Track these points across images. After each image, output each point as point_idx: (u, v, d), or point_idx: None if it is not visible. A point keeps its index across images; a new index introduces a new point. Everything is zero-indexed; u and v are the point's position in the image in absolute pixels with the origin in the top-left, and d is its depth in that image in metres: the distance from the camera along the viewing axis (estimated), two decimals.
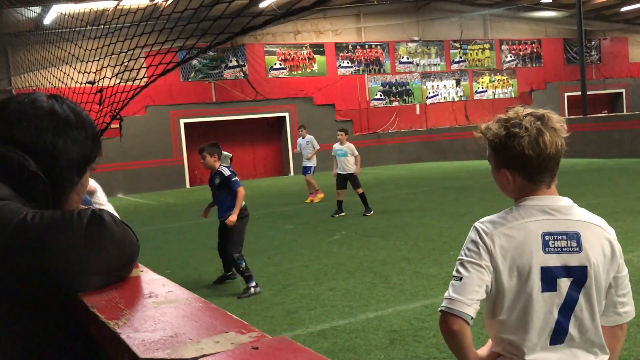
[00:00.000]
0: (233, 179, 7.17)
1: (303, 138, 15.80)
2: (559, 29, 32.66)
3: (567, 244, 1.75)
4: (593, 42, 34.04)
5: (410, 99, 29.34)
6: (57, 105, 1.35)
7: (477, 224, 1.89)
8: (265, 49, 26.29)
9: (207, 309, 0.97)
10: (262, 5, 23.67)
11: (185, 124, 24.70)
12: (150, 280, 1.24)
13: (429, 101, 29.73)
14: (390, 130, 28.19)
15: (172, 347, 0.81)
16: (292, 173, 26.18)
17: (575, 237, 1.76)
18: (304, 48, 26.97)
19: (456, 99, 30.41)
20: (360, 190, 12.06)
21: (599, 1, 29.42)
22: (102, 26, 3.75)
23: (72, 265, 1.16)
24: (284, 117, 26.45)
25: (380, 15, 28.13)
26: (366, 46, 28.28)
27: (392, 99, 28.95)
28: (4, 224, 1.15)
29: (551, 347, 1.79)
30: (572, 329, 1.78)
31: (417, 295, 6.16)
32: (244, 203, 7.21)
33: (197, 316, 0.94)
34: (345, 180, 12.33)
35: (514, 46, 31.88)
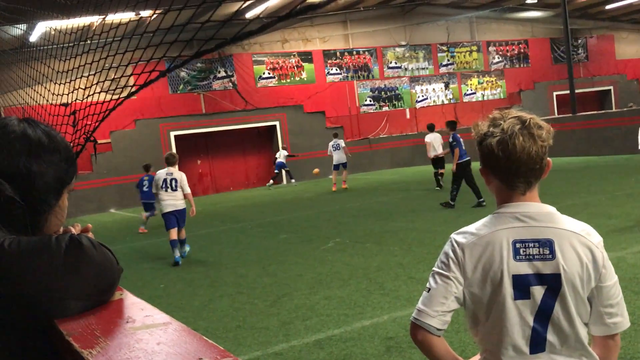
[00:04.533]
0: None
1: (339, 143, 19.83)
2: (545, 29, 32.85)
3: (539, 252, 1.73)
4: (579, 41, 34.25)
5: (399, 104, 29.41)
6: (30, 129, 1.33)
7: (452, 235, 1.89)
8: (253, 59, 26.32)
9: (183, 335, 0.95)
10: (248, 15, 23.70)
11: (175, 136, 24.64)
12: (130, 304, 1.21)
13: (418, 105, 29.81)
14: (381, 135, 28.22)
15: None
16: (284, 181, 26.15)
17: (548, 244, 1.73)
18: (292, 56, 27.02)
19: (445, 101, 30.50)
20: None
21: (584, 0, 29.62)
22: (86, 42, 3.71)
23: (50, 292, 1.14)
24: (275, 125, 26.44)
25: (367, 21, 28.22)
26: (354, 52, 28.36)
27: (382, 104, 29.01)
28: None
29: (532, 356, 1.77)
30: (551, 336, 1.76)
31: (412, 301, 6.13)
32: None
33: (172, 342, 0.92)
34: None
35: (501, 47, 32.03)
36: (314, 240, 10.63)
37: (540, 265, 1.73)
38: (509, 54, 32.27)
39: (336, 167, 19.51)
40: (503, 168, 1.78)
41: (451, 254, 1.84)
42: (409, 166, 26.79)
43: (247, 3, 19.83)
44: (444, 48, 30.54)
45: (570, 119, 21.85)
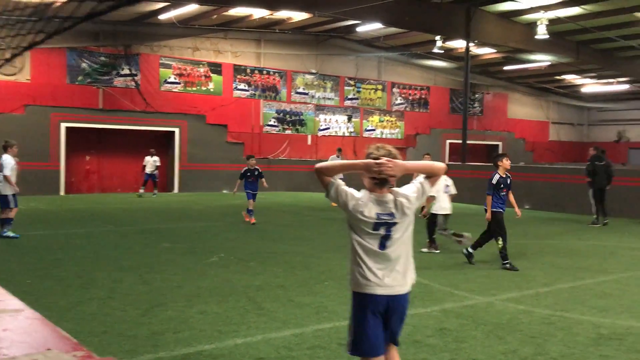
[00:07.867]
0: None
1: (337, 157, 21.91)
2: (446, 79, 34.47)
3: (388, 218, 3.56)
4: (477, 95, 36.20)
5: (302, 129, 29.69)
6: None
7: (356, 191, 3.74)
8: (160, 61, 25.70)
9: (35, 323, 0.87)
10: (161, 17, 23.20)
11: (67, 128, 23.49)
12: None
13: (320, 133, 30.22)
14: (280, 157, 28.31)
15: None
16: (176, 190, 25.54)
17: (392, 215, 3.57)
18: (201, 65, 26.65)
19: (346, 134, 31.14)
20: None
21: (485, 57, 31.39)
22: None
23: None
24: (174, 132, 25.86)
25: (281, 44, 28.41)
26: (264, 72, 28.41)
27: (286, 127, 29.17)
28: None
29: (380, 251, 3.58)
30: (389, 246, 3.58)
31: (288, 324, 6.12)
32: None
33: (21, 330, 0.83)
34: None
35: (404, 90, 33.22)
36: (197, 252, 10.40)
37: (387, 220, 3.55)
38: (410, 98, 33.52)
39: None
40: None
41: (352, 193, 3.68)
42: (304, 191, 26.97)
43: None
44: (351, 82, 31.26)
45: (460, 167, 22.92)
